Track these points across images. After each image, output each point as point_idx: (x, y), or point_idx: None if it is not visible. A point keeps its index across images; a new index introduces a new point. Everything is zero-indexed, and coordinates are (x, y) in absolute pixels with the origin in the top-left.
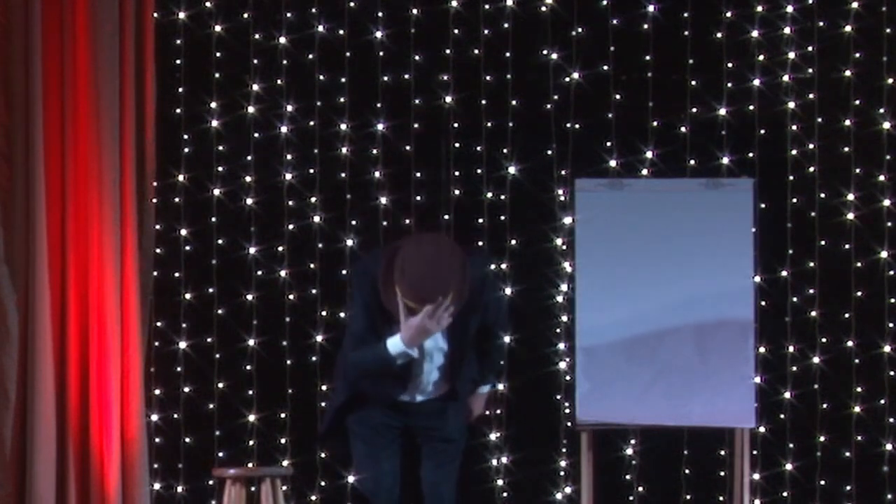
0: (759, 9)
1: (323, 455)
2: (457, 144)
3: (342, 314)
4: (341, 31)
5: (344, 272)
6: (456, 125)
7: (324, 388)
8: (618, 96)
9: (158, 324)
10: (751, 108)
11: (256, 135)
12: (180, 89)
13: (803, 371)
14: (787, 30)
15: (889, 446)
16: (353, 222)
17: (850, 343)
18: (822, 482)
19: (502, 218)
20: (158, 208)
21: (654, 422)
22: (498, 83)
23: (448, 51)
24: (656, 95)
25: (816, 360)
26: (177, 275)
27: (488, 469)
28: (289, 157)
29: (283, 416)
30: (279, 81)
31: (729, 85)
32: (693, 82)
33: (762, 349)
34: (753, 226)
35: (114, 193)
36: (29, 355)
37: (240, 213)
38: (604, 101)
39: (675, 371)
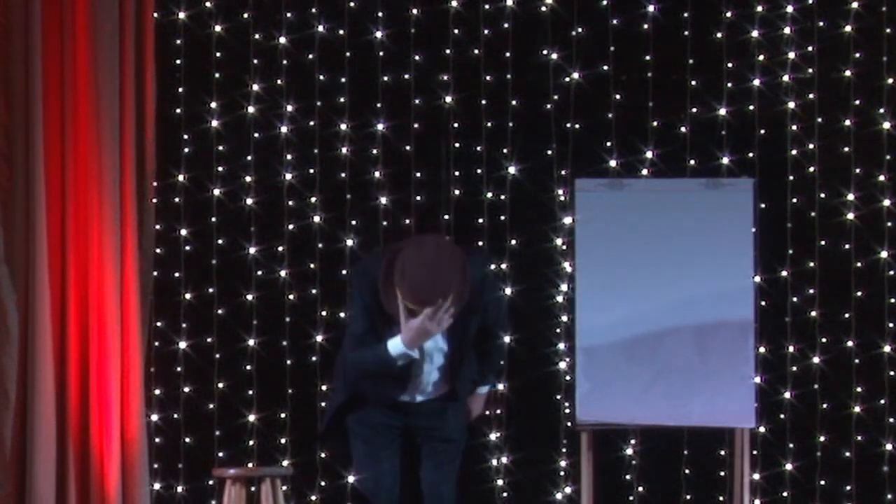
0: (759, 9)
1: (323, 455)
2: (457, 144)
3: (342, 314)
4: (341, 31)
5: (344, 272)
6: (456, 125)
7: (324, 388)
8: (618, 96)
9: (158, 324)
10: (751, 108)
11: (256, 135)
12: (180, 89)
13: (803, 371)
14: (787, 30)
15: (889, 446)
16: (353, 222)
17: (850, 343)
18: (822, 482)
19: (502, 218)
20: (158, 208)
21: (654, 422)
22: (498, 83)
23: (448, 51)
24: (656, 95)
25: (816, 360)
26: (177, 275)
27: (488, 469)
28: (289, 157)
29: (283, 416)
30: (279, 81)
31: (729, 85)
32: (693, 82)
33: (762, 349)
34: (753, 226)
35: (114, 193)
36: (29, 355)
37: (240, 213)
38: (604, 101)
39: (675, 371)
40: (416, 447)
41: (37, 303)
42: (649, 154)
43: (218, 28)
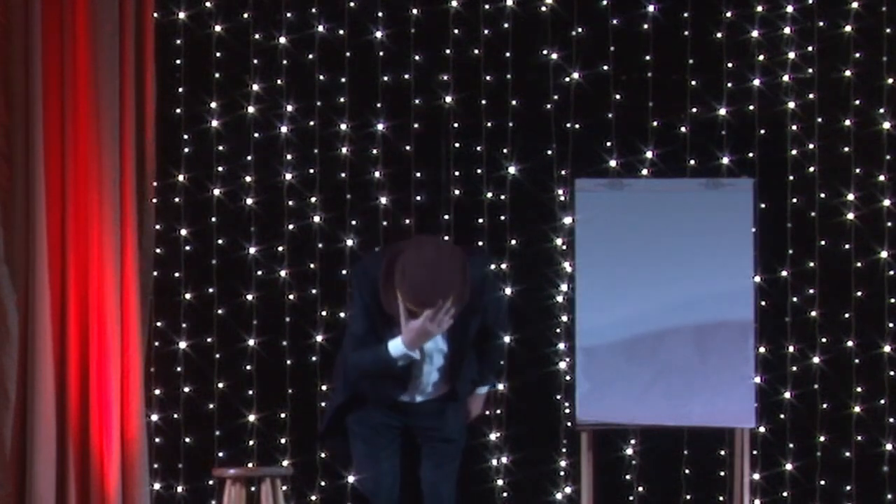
0: (759, 9)
1: (323, 455)
2: (457, 144)
3: (342, 314)
4: (341, 31)
5: (344, 272)
6: (456, 125)
7: (324, 388)
8: (618, 96)
9: (158, 324)
10: (751, 108)
11: (256, 135)
12: (180, 89)
13: (803, 371)
14: (787, 30)
15: (889, 446)
16: (353, 222)
17: (850, 343)
18: (822, 482)
19: (502, 218)
20: (158, 208)
21: (654, 422)
22: (498, 83)
23: (448, 51)
24: (656, 95)
25: (816, 360)
26: (177, 275)
27: (488, 469)
28: (289, 157)
29: (283, 416)
30: (279, 81)
31: (729, 85)
32: (693, 82)
33: (762, 349)
34: (753, 226)
35: (114, 193)
36: (29, 355)
37: (240, 213)
38: (604, 101)
39: (675, 371)
40: (416, 447)
41: (37, 303)
42: (649, 154)
43: (218, 28)
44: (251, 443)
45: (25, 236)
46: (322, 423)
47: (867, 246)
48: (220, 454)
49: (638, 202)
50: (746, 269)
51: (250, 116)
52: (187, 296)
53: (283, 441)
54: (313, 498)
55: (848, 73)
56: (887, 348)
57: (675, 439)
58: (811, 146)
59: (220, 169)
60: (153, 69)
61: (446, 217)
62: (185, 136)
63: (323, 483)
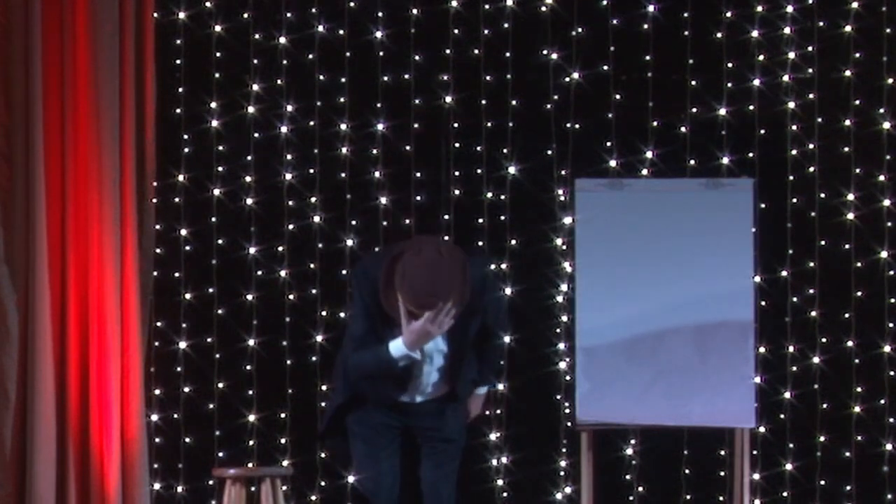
0: (759, 9)
1: (323, 455)
2: (457, 144)
3: (342, 314)
4: (341, 31)
5: (344, 272)
6: (456, 125)
7: (324, 388)
8: (618, 96)
9: (158, 324)
10: (751, 108)
11: (256, 135)
12: (180, 89)
13: (803, 371)
14: (787, 30)
15: (889, 446)
16: (353, 222)
17: (850, 343)
18: (822, 482)
19: (502, 218)
20: (158, 208)
21: (654, 422)
22: (498, 83)
23: (448, 51)
24: (656, 95)
25: (816, 360)
26: (177, 275)
27: (488, 469)
28: (289, 157)
29: (283, 416)
30: (279, 81)
31: (729, 85)
32: (693, 82)
33: (762, 349)
34: (753, 226)
35: (114, 193)
36: (29, 355)
37: (240, 213)
38: (604, 101)
39: (675, 371)
40: (416, 447)
41: (37, 303)
42: (649, 154)
43: (218, 28)
44: (251, 443)
45: (25, 236)
46: (322, 423)
47: (867, 246)
48: (220, 454)
49: (638, 202)
50: (746, 269)
51: (250, 116)
52: (187, 296)
53: (283, 441)
54: (313, 498)
55: (848, 73)
56: (887, 348)
57: (675, 439)
58: (811, 146)
59: (220, 169)
60: (153, 69)
61: (446, 217)
62: (185, 136)
63: (323, 483)
